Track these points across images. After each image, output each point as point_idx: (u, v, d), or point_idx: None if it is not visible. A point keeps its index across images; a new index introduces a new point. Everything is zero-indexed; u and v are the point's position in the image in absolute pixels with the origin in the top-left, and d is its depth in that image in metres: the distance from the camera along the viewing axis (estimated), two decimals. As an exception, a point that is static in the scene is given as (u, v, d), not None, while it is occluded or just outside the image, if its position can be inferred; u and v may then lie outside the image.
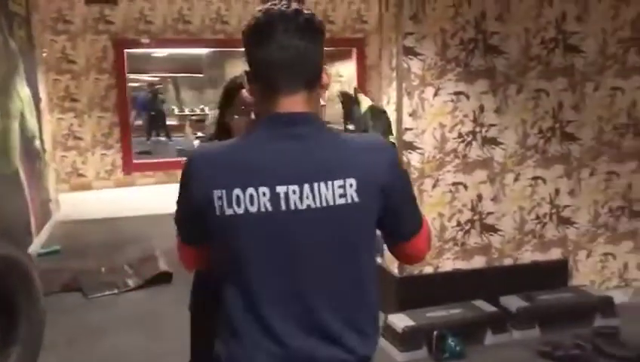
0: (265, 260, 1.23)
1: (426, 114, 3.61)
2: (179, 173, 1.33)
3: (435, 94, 3.61)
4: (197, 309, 2.23)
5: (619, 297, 3.95)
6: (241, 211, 1.20)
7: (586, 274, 4.05)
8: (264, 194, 1.20)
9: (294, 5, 1.29)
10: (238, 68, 11.19)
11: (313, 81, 1.30)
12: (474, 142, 3.72)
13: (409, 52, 3.53)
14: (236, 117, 2.09)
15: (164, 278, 4.70)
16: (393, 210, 1.30)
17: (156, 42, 9.06)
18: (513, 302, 3.73)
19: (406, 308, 3.60)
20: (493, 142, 3.75)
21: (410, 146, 3.62)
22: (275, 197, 1.20)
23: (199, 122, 12.53)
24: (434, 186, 3.69)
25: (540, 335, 3.62)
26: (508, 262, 3.89)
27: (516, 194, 3.84)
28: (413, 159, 3.63)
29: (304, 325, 1.24)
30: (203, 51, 10.62)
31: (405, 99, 3.56)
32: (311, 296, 1.25)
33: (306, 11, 1.29)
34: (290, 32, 1.25)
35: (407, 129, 3.60)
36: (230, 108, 2.14)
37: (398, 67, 3.56)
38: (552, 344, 3.39)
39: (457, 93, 3.64)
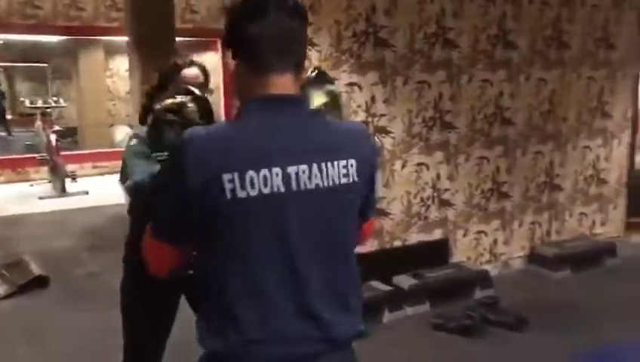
0: (274, 241, 1.21)
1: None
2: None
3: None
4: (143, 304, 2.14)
5: (491, 270, 4.37)
6: (254, 193, 1.18)
7: (463, 251, 4.42)
8: (277, 174, 1.19)
9: None
10: (94, 57, 10.50)
11: (301, 64, 1.31)
12: (366, 131, 3.88)
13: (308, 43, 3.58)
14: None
15: (39, 283, 4.33)
16: (370, 193, 1.38)
17: (-1, 27, 8.23)
18: (405, 281, 3.96)
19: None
20: (383, 130, 3.94)
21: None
22: (286, 178, 1.20)
23: (44, 115, 11.58)
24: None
25: (430, 309, 3.90)
26: (398, 243, 4.13)
27: (403, 180, 4.08)
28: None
29: (301, 308, 1.24)
30: (52, 39, 9.80)
31: (303, 89, 3.62)
32: (311, 275, 1.25)
33: None
34: (282, 11, 1.25)
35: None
36: (164, 92, 2.08)
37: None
38: (443, 316, 3.67)
39: (351, 85, 3.78)
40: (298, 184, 1.21)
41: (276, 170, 1.19)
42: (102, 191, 7.77)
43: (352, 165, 1.27)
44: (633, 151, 5.22)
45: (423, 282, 3.96)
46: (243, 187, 1.17)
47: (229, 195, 1.17)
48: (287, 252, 1.22)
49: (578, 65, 4.69)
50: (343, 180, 1.26)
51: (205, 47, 10.17)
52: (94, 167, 9.09)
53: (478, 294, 4.09)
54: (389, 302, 3.79)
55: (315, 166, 1.23)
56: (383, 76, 3.89)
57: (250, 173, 1.18)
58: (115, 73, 12.04)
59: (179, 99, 1.65)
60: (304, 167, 1.22)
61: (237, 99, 1.36)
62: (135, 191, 1.87)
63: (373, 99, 3.87)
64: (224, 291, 1.23)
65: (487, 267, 4.42)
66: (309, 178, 1.22)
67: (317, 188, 1.23)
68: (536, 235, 4.74)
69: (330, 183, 1.24)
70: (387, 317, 3.76)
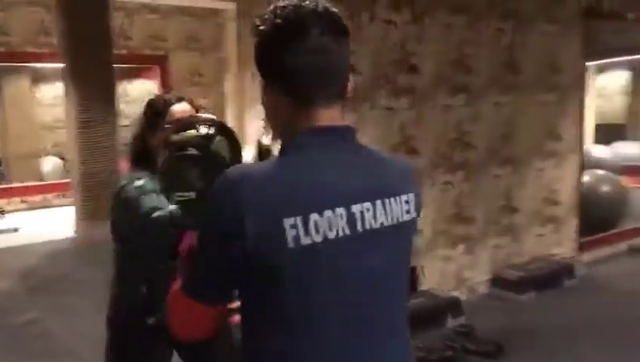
0: (340, 290, 1.08)
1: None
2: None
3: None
4: None
5: (458, 296, 4.32)
6: (319, 239, 1.04)
7: (430, 277, 4.35)
8: (341, 216, 1.06)
9: (314, 2, 1.15)
10: (20, 85, 9.88)
11: (345, 90, 1.17)
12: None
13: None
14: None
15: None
16: None
17: None
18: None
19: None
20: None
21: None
22: (351, 218, 1.07)
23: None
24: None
25: (405, 341, 3.78)
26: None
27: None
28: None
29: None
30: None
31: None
32: (377, 320, 1.14)
33: (332, 8, 1.16)
34: (325, 34, 1.11)
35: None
36: (157, 130, 1.92)
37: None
38: (423, 349, 3.56)
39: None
40: (363, 224, 1.09)
41: (340, 210, 1.06)
42: (33, 227, 7.26)
43: (411, 200, 1.17)
44: (581, 172, 5.37)
45: (396, 313, 3.85)
46: (307, 232, 1.02)
47: (291, 243, 1.02)
48: (352, 298, 1.09)
49: (530, 90, 4.78)
50: (406, 216, 1.15)
51: (139, 74, 9.84)
52: (23, 202, 8.51)
53: (450, 322, 4.02)
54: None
55: (379, 203, 1.11)
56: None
57: (314, 215, 1.04)
58: (43, 101, 11.40)
59: (203, 130, 1.42)
60: (368, 204, 1.10)
61: (273, 133, 1.21)
62: (154, 225, 1.66)
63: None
64: (282, 348, 1.07)
65: (454, 293, 4.37)
66: (374, 217, 1.10)
67: (382, 226, 1.11)
68: (499, 259, 4.75)
69: (395, 221, 1.13)
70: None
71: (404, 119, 4.06)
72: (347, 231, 1.06)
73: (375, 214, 1.10)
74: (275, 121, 1.17)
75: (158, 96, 2.05)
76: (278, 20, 1.10)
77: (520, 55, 4.64)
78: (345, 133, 1.15)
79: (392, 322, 1.17)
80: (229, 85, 9.25)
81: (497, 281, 4.66)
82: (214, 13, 9.17)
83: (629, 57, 9.40)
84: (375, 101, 3.90)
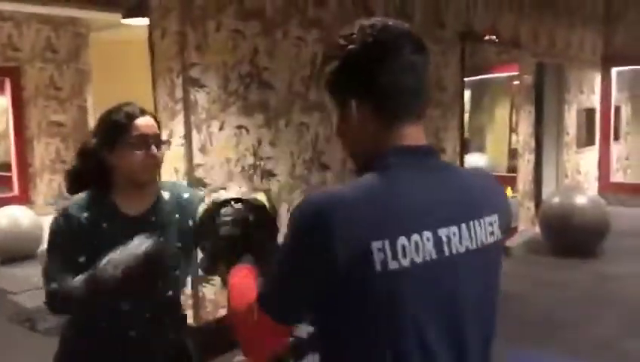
0: (427, 316, 1.06)
1: (214, 148, 3.45)
2: None
3: (221, 128, 3.49)
4: None
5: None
6: (406, 263, 1.02)
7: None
8: (428, 239, 1.05)
9: (397, 22, 1.17)
10: None
11: (426, 109, 1.20)
12: (255, 176, 3.72)
13: (195, 83, 3.33)
14: (137, 152, 1.72)
15: None
16: None
17: None
18: (302, 330, 3.82)
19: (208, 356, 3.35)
20: (270, 174, 3.81)
21: (201, 183, 3.40)
22: (438, 242, 1.06)
23: None
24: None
25: (329, 354, 3.81)
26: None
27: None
28: (203, 197, 3.42)
29: None
30: None
31: (194, 134, 3.34)
32: (468, 346, 1.13)
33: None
34: (416, 52, 1.12)
35: (198, 165, 3.37)
36: (117, 146, 1.74)
37: (186, 100, 3.31)
38: None
39: (239, 127, 3.59)
40: (450, 249, 1.08)
41: (427, 234, 1.05)
42: None
43: (495, 221, 1.16)
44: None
45: (319, 327, 3.87)
46: (394, 256, 1.01)
47: (378, 267, 1.00)
48: (440, 325, 1.08)
49: (420, 105, 5.10)
50: (490, 239, 1.14)
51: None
52: None
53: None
54: (294, 353, 3.62)
55: (464, 226, 1.10)
56: (267, 118, 3.77)
57: (402, 239, 1.02)
58: None
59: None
60: (454, 228, 1.09)
61: (351, 151, 1.18)
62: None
63: (259, 141, 3.73)
64: None
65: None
66: (460, 241, 1.09)
67: (467, 251, 1.10)
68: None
69: (479, 244, 1.12)
70: (294, 369, 3.59)
71: (315, 134, 4.12)
72: (434, 256, 1.05)
73: (461, 238, 1.09)
74: (356, 140, 1.15)
75: (115, 109, 1.80)
76: (370, 39, 1.09)
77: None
78: (429, 152, 1.15)
79: (478, 349, 1.15)
80: (92, 99, 8.72)
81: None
82: (72, 22, 8.58)
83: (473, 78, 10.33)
84: (290, 117, 3.91)
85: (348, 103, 1.11)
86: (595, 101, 8.29)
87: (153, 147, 1.76)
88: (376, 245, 0.99)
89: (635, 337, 4.00)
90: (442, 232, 1.06)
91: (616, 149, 8.80)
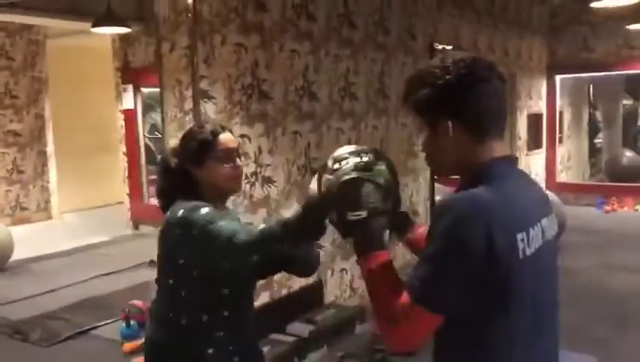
0: (539, 288, 1.33)
1: (221, 157, 3.58)
2: None
3: (226, 138, 3.62)
4: None
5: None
6: (531, 251, 1.28)
7: (332, 290, 4.64)
8: (539, 229, 1.33)
9: (481, 57, 1.42)
10: None
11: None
12: (256, 183, 3.87)
13: (204, 95, 3.46)
14: (225, 165, 1.91)
15: None
16: None
17: None
18: (301, 328, 4.01)
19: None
20: (269, 180, 3.97)
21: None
22: (540, 233, 1.33)
23: None
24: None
25: (327, 352, 4.01)
26: (284, 291, 4.16)
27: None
28: (212, 204, 3.55)
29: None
30: None
31: (203, 144, 3.46)
32: (554, 310, 1.41)
33: None
34: (498, 80, 1.38)
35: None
36: (204, 161, 1.91)
37: (195, 111, 3.44)
38: (351, 356, 3.83)
39: (242, 136, 3.74)
40: (545, 237, 1.35)
41: (537, 225, 1.33)
42: None
43: (554, 218, 1.44)
44: (433, 186, 6.12)
45: (319, 327, 4.06)
46: (529, 245, 1.27)
47: (520, 254, 1.25)
48: (549, 301, 1.37)
49: (395, 113, 5.37)
50: (555, 230, 1.43)
51: None
52: None
53: (359, 329, 4.35)
54: (297, 352, 3.80)
55: (545, 220, 1.38)
56: (267, 127, 3.94)
57: (530, 230, 1.29)
58: None
59: (365, 158, 1.44)
60: (545, 220, 1.37)
61: (439, 163, 1.41)
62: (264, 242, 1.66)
63: (260, 149, 3.89)
64: (500, 350, 1.29)
65: (350, 302, 4.72)
66: (545, 231, 1.36)
67: (551, 238, 1.38)
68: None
69: (549, 237, 1.38)
70: (299, 366, 3.76)
71: (307, 142, 4.32)
72: (540, 243, 1.32)
73: (544, 230, 1.35)
74: (447, 155, 1.36)
75: (199, 127, 2.01)
76: (463, 71, 1.32)
77: (388, 82, 5.21)
78: (515, 161, 1.43)
79: (557, 323, 1.43)
80: (50, 107, 8.55)
81: (382, 287, 5.11)
82: (28, 28, 8.40)
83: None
84: (286, 126, 4.08)
85: (442, 123, 1.33)
86: (541, 106, 8.86)
87: (237, 159, 1.94)
88: (519, 236, 1.25)
89: (600, 323, 4.43)
90: (540, 225, 1.34)
91: (559, 152, 9.42)
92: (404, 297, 1.26)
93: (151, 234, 7.51)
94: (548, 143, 9.09)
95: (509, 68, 7.62)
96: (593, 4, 5.97)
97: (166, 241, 1.92)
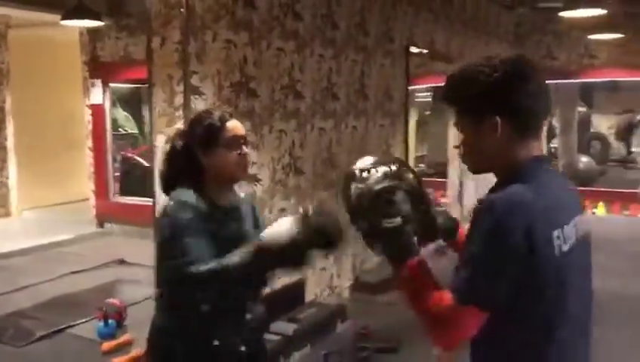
0: (577, 288, 1.37)
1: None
2: None
3: (215, 134, 3.60)
4: None
5: (332, 302, 4.71)
6: (567, 248, 1.32)
7: (311, 288, 4.65)
8: (572, 227, 1.36)
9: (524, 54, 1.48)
10: None
11: None
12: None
13: (195, 91, 3.43)
14: (232, 152, 1.92)
15: None
16: None
17: None
18: (285, 327, 4.00)
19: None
20: (255, 179, 3.96)
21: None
22: (574, 231, 1.37)
23: None
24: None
25: (311, 351, 4.02)
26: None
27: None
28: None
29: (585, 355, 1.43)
30: None
31: (193, 140, 3.43)
32: (587, 321, 1.44)
33: None
34: (542, 79, 1.42)
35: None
36: (213, 147, 1.91)
37: (186, 107, 3.40)
38: (335, 353, 3.85)
39: (230, 134, 3.71)
40: (577, 234, 1.39)
41: (571, 223, 1.37)
42: None
43: (585, 217, 1.49)
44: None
45: (302, 325, 4.06)
46: (565, 241, 1.32)
47: (556, 251, 1.29)
48: (584, 299, 1.40)
49: (374, 114, 5.44)
50: (587, 229, 1.46)
51: None
52: None
53: (339, 326, 4.38)
54: (282, 350, 3.79)
55: (578, 217, 1.43)
56: (254, 125, 3.93)
57: (566, 227, 1.34)
58: None
59: (393, 167, 1.47)
60: (577, 218, 1.41)
61: (479, 160, 1.45)
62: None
63: (247, 148, 3.87)
64: (540, 343, 1.32)
65: (329, 300, 4.75)
66: (579, 228, 1.40)
67: (579, 237, 1.40)
68: (356, 265, 5.27)
69: (582, 233, 1.43)
70: (284, 365, 3.76)
71: (292, 141, 4.32)
72: (574, 240, 1.36)
73: (578, 226, 1.40)
74: (490, 152, 1.39)
75: (207, 113, 2.01)
76: (510, 69, 1.35)
77: (368, 83, 5.26)
78: (549, 161, 1.48)
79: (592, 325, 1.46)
80: (10, 99, 8.25)
81: (358, 286, 5.17)
82: (-14, 18, 8.10)
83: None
84: (272, 124, 4.08)
85: (490, 121, 1.35)
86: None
87: (244, 147, 1.94)
88: (555, 233, 1.29)
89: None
90: (574, 222, 1.38)
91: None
92: (449, 299, 1.29)
93: (117, 232, 7.40)
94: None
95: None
96: (561, 14, 6.18)
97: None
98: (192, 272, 1.73)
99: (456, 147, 1.52)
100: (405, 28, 5.84)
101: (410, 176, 1.50)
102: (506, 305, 1.29)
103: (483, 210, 1.31)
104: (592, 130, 14.04)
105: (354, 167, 1.50)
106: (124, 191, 7.68)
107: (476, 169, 1.49)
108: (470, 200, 7.57)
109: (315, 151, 4.58)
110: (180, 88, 3.40)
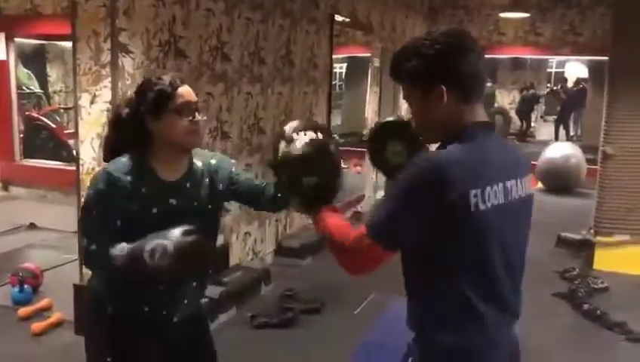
0: (499, 246, 1.47)
1: (137, 115, 3.46)
2: None
3: (143, 95, 3.49)
4: None
5: (256, 266, 4.77)
6: (489, 206, 1.42)
7: (236, 253, 4.68)
8: (501, 189, 1.46)
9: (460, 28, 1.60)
10: None
11: None
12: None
13: (123, 49, 3.30)
14: (184, 118, 1.84)
15: None
16: None
17: None
18: (211, 290, 4.00)
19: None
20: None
21: (125, 149, 3.40)
22: (505, 191, 1.47)
23: None
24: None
25: (236, 313, 4.07)
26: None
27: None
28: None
29: (505, 309, 1.52)
30: None
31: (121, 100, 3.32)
32: (513, 276, 1.55)
33: None
34: (479, 48, 1.52)
35: (122, 131, 3.36)
36: (164, 111, 1.84)
37: (114, 64, 3.28)
38: (261, 315, 3.92)
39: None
40: (511, 196, 1.50)
41: (500, 185, 1.46)
42: None
43: (529, 180, 1.61)
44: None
45: (228, 288, 4.09)
46: (483, 201, 1.41)
47: (472, 208, 1.39)
48: (505, 256, 1.49)
49: (299, 81, 5.46)
50: (528, 191, 1.58)
51: None
52: None
53: (264, 289, 4.46)
54: (209, 313, 3.80)
55: (518, 181, 1.54)
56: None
57: (488, 188, 1.43)
58: None
59: (319, 134, 1.71)
60: (513, 181, 1.51)
61: (429, 127, 1.54)
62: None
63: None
64: (464, 292, 1.43)
65: (252, 264, 4.80)
66: (516, 190, 1.52)
67: (519, 198, 1.53)
68: (279, 231, 5.34)
69: (524, 194, 1.55)
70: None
71: (220, 105, 4.28)
72: (502, 200, 1.45)
73: (517, 188, 1.50)
74: (437, 119, 1.49)
75: (157, 78, 1.89)
76: (451, 40, 1.46)
77: (294, 50, 5.26)
78: (492, 126, 1.58)
79: (520, 276, 1.57)
80: None
81: (281, 250, 5.25)
82: None
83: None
84: (199, 87, 4.01)
85: (436, 90, 1.45)
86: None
87: (196, 113, 1.90)
88: (472, 192, 1.38)
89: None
90: (509, 184, 1.48)
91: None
92: (361, 229, 1.45)
93: (24, 196, 7.02)
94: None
95: (396, 45, 7.98)
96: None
97: None
98: (87, 249, 1.84)
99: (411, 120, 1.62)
100: (329, -5, 5.87)
101: (332, 146, 1.73)
102: (420, 254, 1.45)
103: (411, 163, 1.44)
104: (496, 105, 14.76)
105: (286, 127, 1.71)
106: (28, 154, 7.27)
107: (429, 138, 1.60)
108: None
109: (241, 115, 4.56)
110: (107, 45, 3.26)
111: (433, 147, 1.57)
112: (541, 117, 16.01)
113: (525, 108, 14.43)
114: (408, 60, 1.49)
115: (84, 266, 1.99)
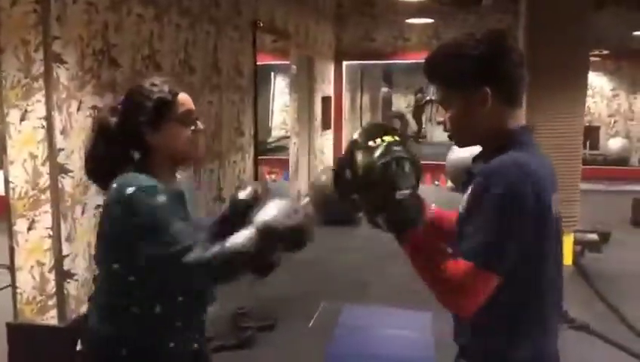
0: (560, 255, 1.46)
1: (74, 131, 3.14)
2: None
3: (79, 108, 3.18)
4: None
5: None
6: (557, 213, 1.41)
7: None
8: (556, 198, 1.43)
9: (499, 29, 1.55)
10: None
11: None
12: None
13: (57, 59, 2.98)
14: (186, 128, 1.68)
15: None
16: None
17: None
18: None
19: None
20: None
21: (63, 169, 3.07)
22: (556, 201, 1.43)
23: None
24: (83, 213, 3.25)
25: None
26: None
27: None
28: (66, 184, 3.09)
29: (560, 319, 1.54)
30: None
31: (56, 115, 2.99)
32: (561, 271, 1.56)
33: None
34: (520, 52, 1.49)
35: (60, 149, 3.03)
36: (164, 121, 1.66)
37: (47, 76, 2.94)
38: (217, 337, 3.69)
39: (94, 107, 3.31)
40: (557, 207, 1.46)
41: (555, 194, 1.43)
42: None
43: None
44: (257, 163, 6.12)
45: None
46: (555, 205, 1.40)
47: (554, 211, 1.38)
48: (560, 265, 1.48)
49: (226, 89, 5.26)
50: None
51: None
52: None
53: (211, 310, 4.20)
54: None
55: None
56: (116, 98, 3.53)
57: (554, 194, 1.41)
58: None
59: (396, 137, 1.42)
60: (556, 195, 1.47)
61: (468, 131, 1.46)
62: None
63: (111, 124, 3.48)
64: (541, 303, 1.40)
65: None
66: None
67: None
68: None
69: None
70: (165, 356, 3.50)
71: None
72: (556, 210, 1.42)
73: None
74: (479, 122, 1.41)
75: (152, 84, 1.69)
76: (494, 41, 1.41)
77: (221, 57, 5.06)
78: (533, 131, 1.56)
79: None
80: None
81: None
82: None
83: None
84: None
85: (480, 93, 1.38)
86: (330, 90, 9.43)
87: (198, 122, 1.72)
88: (554, 197, 1.36)
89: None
90: (555, 196, 1.43)
91: (344, 133, 10.16)
92: (464, 265, 1.28)
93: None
94: (335, 125, 9.73)
95: (308, 51, 7.96)
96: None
97: (107, 220, 1.66)
98: (191, 260, 1.52)
99: (441, 123, 1.52)
100: (252, 1, 5.72)
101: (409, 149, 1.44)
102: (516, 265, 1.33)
103: (488, 176, 1.32)
104: (393, 109, 15.19)
105: (355, 135, 1.44)
106: None
107: (465, 142, 1.50)
108: (304, 179, 7.78)
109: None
110: (39, 55, 2.93)
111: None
112: (429, 120, 16.56)
113: (417, 112, 14.97)
114: (449, 61, 1.41)
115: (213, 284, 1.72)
